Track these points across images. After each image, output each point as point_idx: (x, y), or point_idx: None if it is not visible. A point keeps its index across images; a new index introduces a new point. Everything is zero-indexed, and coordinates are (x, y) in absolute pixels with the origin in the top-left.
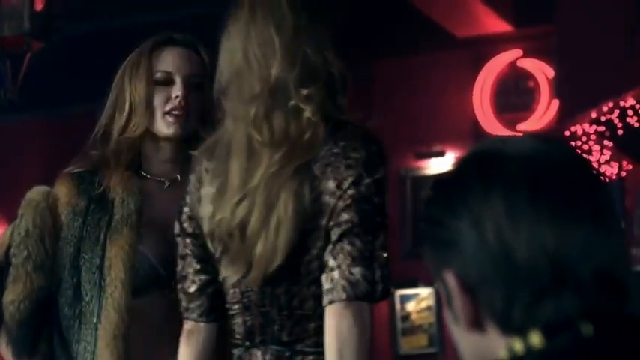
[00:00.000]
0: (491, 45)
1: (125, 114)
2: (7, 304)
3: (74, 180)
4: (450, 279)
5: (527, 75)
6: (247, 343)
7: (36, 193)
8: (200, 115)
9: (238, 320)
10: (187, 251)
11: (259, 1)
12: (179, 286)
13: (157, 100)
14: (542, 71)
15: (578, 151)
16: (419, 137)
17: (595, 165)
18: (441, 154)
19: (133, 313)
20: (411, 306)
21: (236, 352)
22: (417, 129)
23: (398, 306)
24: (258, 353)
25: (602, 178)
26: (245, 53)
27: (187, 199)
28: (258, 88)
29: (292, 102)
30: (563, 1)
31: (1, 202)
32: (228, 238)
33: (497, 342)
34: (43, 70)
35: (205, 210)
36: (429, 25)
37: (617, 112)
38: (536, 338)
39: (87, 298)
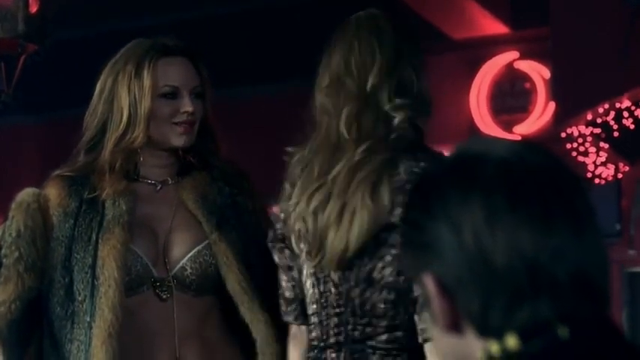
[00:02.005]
0: (487, 47)
1: (122, 125)
2: None
3: (65, 181)
4: (429, 282)
5: (524, 77)
6: (322, 344)
7: (26, 194)
8: (201, 121)
9: (315, 320)
10: (279, 257)
11: (365, 20)
12: (279, 291)
13: (163, 113)
14: (538, 73)
15: (558, 155)
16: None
17: (591, 166)
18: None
19: (127, 312)
20: None
21: (311, 354)
22: None
23: None
24: (333, 353)
25: (581, 182)
26: (347, 62)
27: (281, 205)
28: (355, 92)
29: (385, 108)
30: (559, 3)
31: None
32: (303, 225)
33: (474, 344)
34: (38, 73)
35: (290, 203)
36: (425, 27)
37: (612, 113)
38: (512, 341)
39: (80, 298)
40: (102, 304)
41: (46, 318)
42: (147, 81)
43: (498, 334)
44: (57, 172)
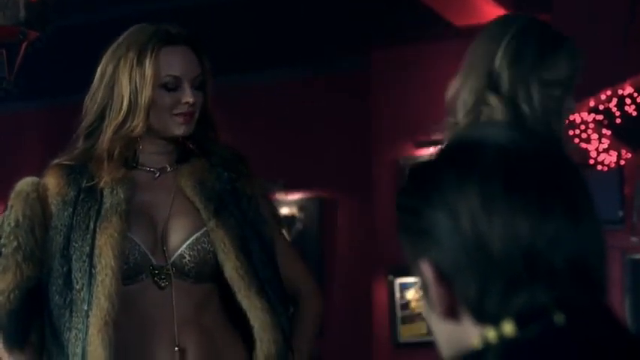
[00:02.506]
0: None
1: (122, 113)
2: None
3: (63, 170)
4: (426, 268)
5: None
6: None
7: (25, 183)
8: (201, 110)
9: None
10: None
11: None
12: None
13: (164, 103)
14: None
15: (555, 142)
16: (418, 126)
17: (594, 153)
18: (441, 142)
19: (124, 300)
20: (410, 294)
21: None
22: (417, 118)
23: (397, 294)
24: None
25: (579, 169)
26: (490, 72)
27: None
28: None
29: None
30: None
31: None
32: None
33: (471, 331)
34: (41, 59)
35: None
36: (427, 13)
37: (615, 100)
38: (508, 327)
39: (77, 287)
40: (99, 293)
41: (46, 307)
42: (149, 70)
43: (495, 320)
44: (56, 160)
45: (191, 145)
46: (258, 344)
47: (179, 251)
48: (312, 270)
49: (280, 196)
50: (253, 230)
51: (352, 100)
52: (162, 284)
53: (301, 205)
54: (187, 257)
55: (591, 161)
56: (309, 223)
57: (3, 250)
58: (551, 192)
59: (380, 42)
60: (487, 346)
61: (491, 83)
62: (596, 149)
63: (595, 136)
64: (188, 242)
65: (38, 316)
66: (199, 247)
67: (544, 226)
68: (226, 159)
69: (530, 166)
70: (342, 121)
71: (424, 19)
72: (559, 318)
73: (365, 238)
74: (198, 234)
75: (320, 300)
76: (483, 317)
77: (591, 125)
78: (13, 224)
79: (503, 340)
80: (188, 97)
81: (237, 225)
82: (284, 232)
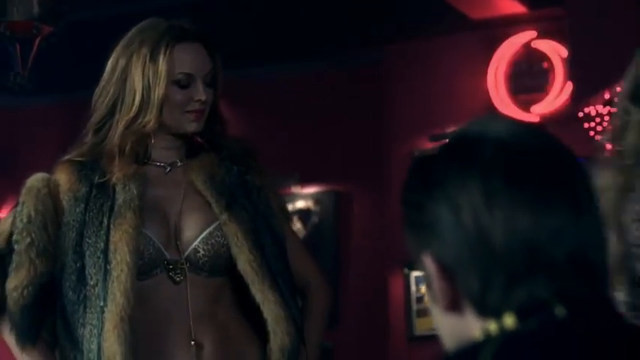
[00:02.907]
0: (505, 26)
1: (134, 108)
2: (11, 291)
3: (74, 166)
4: (429, 262)
5: (542, 56)
6: None
7: (36, 179)
8: (211, 105)
9: None
10: None
11: None
12: None
13: (177, 100)
14: (556, 52)
15: (556, 136)
16: (433, 119)
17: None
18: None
19: (139, 296)
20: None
21: None
22: (431, 111)
23: (413, 288)
24: None
25: (580, 163)
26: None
27: None
28: None
29: None
30: None
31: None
32: None
33: (473, 324)
34: (55, 54)
35: None
36: (442, 7)
37: None
38: (510, 320)
39: (92, 282)
40: (114, 289)
41: (59, 302)
42: (162, 66)
43: (497, 314)
44: (66, 156)
45: (200, 140)
46: (272, 336)
47: (193, 245)
48: (328, 263)
49: (296, 190)
50: (265, 223)
51: (367, 93)
52: (177, 279)
53: (317, 199)
54: (201, 251)
55: (606, 154)
56: (324, 216)
57: (16, 246)
58: (552, 186)
59: (394, 35)
60: (487, 338)
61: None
62: None
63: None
64: (202, 236)
65: (51, 312)
66: (213, 241)
67: (545, 220)
68: (235, 153)
69: (531, 160)
70: (356, 114)
71: (439, 12)
72: (560, 311)
73: (380, 231)
74: (211, 228)
75: (328, 293)
76: (485, 310)
77: (606, 118)
78: (25, 220)
79: (503, 332)
80: (200, 94)
81: (249, 218)
82: (292, 225)
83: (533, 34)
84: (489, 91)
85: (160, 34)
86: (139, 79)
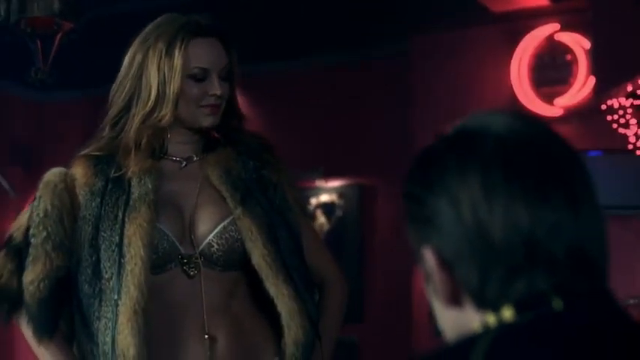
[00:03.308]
0: (527, 19)
1: (150, 103)
2: (27, 284)
3: (90, 161)
4: (429, 255)
5: (565, 49)
6: None
7: (52, 174)
8: (227, 100)
9: None
10: None
11: None
12: None
13: (192, 94)
14: (579, 45)
15: (556, 130)
16: (457, 112)
17: (632, 138)
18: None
19: (154, 290)
20: None
21: None
22: (455, 104)
23: None
24: None
25: (579, 156)
26: None
27: None
28: None
29: None
30: None
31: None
32: None
33: (473, 317)
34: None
35: None
36: (465, 0)
37: None
38: (508, 313)
39: (107, 276)
40: (128, 282)
41: (75, 296)
42: (177, 61)
43: (495, 307)
44: (83, 151)
45: (217, 135)
46: (286, 330)
47: (207, 240)
48: (352, 256)
49: (320, 183)
50: (280, 218)
51: (391, 86)
52: (191, 273)
53: (341, 192)
54: (215, 246)
55: (630, 146)
56: (349, 209)
57: (32, 240)
58: (551, 180)
59: (417, 28)
60: (486, 330)
61: None
62: (635, 134)
63: (634, 121)
64: (216, 231)
65: (67, 306)
66: (227, 235)
67: (544, 214)
68: (252, 147)
69: (531, 155)
70: (380, 107)
71: (461, 5)
72: (557, 304)
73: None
74: (225, 222)
75: (345, 287)
76: (484, 303)
77: (629, 110)
78: (42, 214)
79: (501, 324)
80: (216, 89)
81: (263, 213)
82: (310, 220)
83: (556, 26)
84: (512, 84)
85: (176, 29)
86: (155, 73)
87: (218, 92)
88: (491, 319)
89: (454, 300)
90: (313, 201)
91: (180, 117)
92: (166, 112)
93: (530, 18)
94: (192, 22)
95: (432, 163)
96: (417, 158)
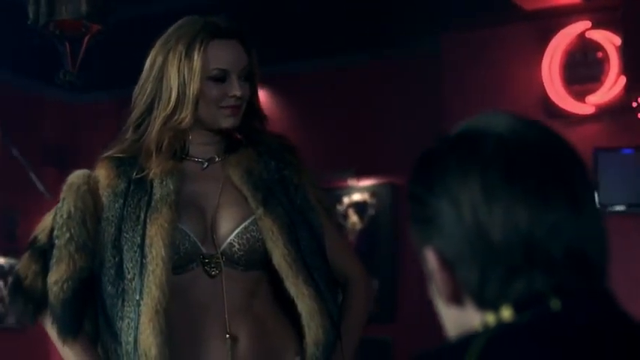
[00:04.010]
0: (559, 17)
1: (171, 105)
2: (52, 285)
3: (113, 162)
4: (430, 255)
5: (596, 46)
6: None
7: (76, 176)
8: (249, 101)
9: None
10: None
11: None
12: None
13: (212, 95)
14: (611, 42)
15: (557, 132)
16: (488, 109)
17: None
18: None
19: (175, 290)
20: None
21: None
22: (486, 103)
23: None
24: None
25: (580, 158)
26: None
27: None
28: None
29: None
30: None
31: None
32: None
33: (474, 316)
34: (112, 50)
35: None
36: None
37: None
38: (507, 312)
39: (129, 276)
40: (150, 282)
41: (99, 296)
42: (197, 62)
43: (495, 306)
44: (106, 153)
45: (239, 136)
46: (306, 331)
47: (228, 240)
48: (385, 255)
49: (352, 183)
50: (302, 218)
51: (422, 85)
52: (213, 273)
53: (373, 191)
54: (237, 246)
55: None
56: (381, 208)
57: (56, 241)
58: (550, 182)
59: (449, 27)
60: (485, 330)
61: None
62: None
63: None
64: (237, 231)
65: (91, 306)
66: (248, 235)
67: (543, 215)
68: (273, 148)
69: (531, 156)
70: (412, 106)
71: (493, 4)
72: (555, 304)
73: None
74: (246, 223)
75: (368, 286)
76: (484, 303)
77: None
78: (65, 216)
79: (500, 324)
80: (235, 90)
81: (284, 213)
82: (333, 220)
83: (587, 24)
84: (544, 81)
85: (196, 31)
86: (175, 76)
87: (238, 93)
88: (490, 318)
89: (456, 299)
90: (345, 200)
91: (200, 118)
92: (187, 114)
93: (562, 16)
94: (212, 23)
95: (433, 164)
96: (419, 159)
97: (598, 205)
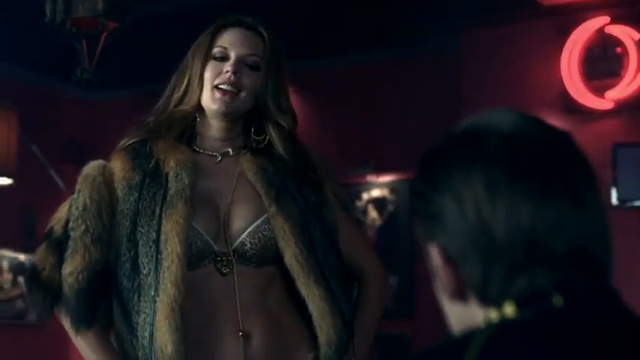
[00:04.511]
0: (578, 12)
1: (183, 87)
2: (66, 276)
3: (128, 154)
4: (435, 251)
5: (615, 41)
6: None
7: (91, 167)
8: (253, 94)
9: None
10: None
11: None
12: None
13: (209, 73)
14: (630, 37)
15: (562, 129)
16: (507, 106)
17: None
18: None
19: (190, 286)
20: None
21: None
22: (506, 98)
23: None
24: None
25: (583, 155)
26: None
27: None
28: None
29: None
30: None
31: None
32: None
33: (477, 312)
34: (132, 47)
35: None
36: None
37: None
38: (509, 309)
39: (144, 272)
40: (165, 279)
41: (115, 289)
42: (204, 45)
43: (498, 303)
44: (122, 142)
45: (253, 138)
46: (318, 331)
47: (240, 238)
48: (404, 251)
49: (371, 179)
50: (315, 215)
51: (441, 81)
52: (224, 270)
53: (392, 187)
54: (248, 244)
55: None
56: (400, 204)
57: (72, 233)
58: (553, 179)
59: (468, 22)
60: (488, 325)
61: None
62: None
63: None
64: (249, 230)
65: (106, 298)
66: (260, 234)
67: (545, 212)
68: (289, 147)
69: (534, 153)
70: (431, 102)
71: (511, 1)
72: (557, 300)
73: None
74: (259, 221)
75: (384, 281)
76: (487, 299)
77: None
78: (81, 208)
79: (503, 320)
80: (229, 65)
81: (298, 211)
82: (349, 215)
83: (606, 19)
84: (563, 77)
85: (219, 23)
86: (190, 61)
87: (230, 68)
88: (493, 314)
89: (459, 295)
90: (364, 196)
91: (201, 102)
92: (192, 95)
93: (581, 11)
94: (231, 16)
95: (438, 161)
96: (424, 156)
97: (616, 201)
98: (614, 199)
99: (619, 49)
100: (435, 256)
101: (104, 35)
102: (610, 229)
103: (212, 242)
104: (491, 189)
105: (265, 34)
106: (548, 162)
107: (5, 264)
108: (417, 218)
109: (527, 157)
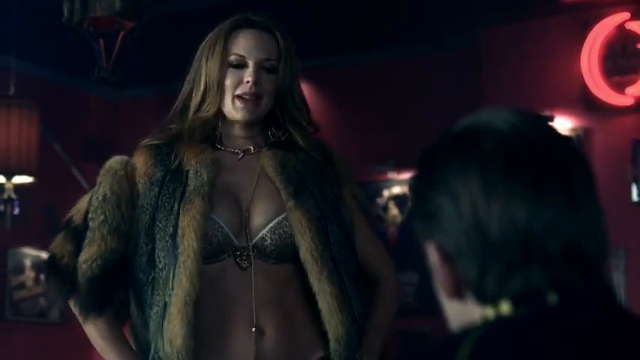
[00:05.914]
0: (597, 8)
1: (200, 93)
2: (81, 263)
3: (151, 151)
4: (432, 250)
5: (636, 37)
6: None
7: (114, 161)
8: (272, 96)
9: None
10: None
11: None
12: None
13: (229, 82)
14: None
15: (557, 128)
16: (527, 103)
17: None
18: (550, 119)
19: (205, 280)
20: None
21: None
22: (525, 95)
23: None
24: None
25: (580, 154)
26: None
27: None
28: None
29: None
30: None
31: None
32: None
33: (474, 310)
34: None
35: None
36: None
37: None
38: (505, 307)
39: (160, 265)
40: (180, 273)
41: (131, 281)
42: (218, 50)
43: (494, 301)
44: (145, 141)
45: (272, 133)
46: (327, 327)
47: (261, 234)
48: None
49: (392, 176)
50: (333, 211)
51: (462, 78)
52: (244, 265)
53: None
54: (268, 240)
55: None
56: None
57: (90, 223)
58: (549, 178)
59: (487, 19)
60: (485, 324)
61: None
62: None
63: None
64: (270, 226)
65: (121, 289)
66: (280, 230)
67: (541, 211)
68: (309, 143)
69: (530, 152)
70: (452, 98)
71: None
72: (552, 298)
73: None
74: (279, 218)
75: (398, 282)
76: (483, 297)
77: None
78: (100, 199)
79: (499, 318)
80: (249, 75)
81: (315, 206)
82: (366, 215)
83: (626, 15)
84: (583, 73)
85: (229, 24)
86: (204, 65)
87: (250, 78)
88: (490, 312)
89: (457, 293)
90: (385, 193)
91: (222, 109)
92: (210, 102)
93: (600, 7)
94: (242, 17)
95: (435, 160)
96: (422, 154)
97: (637, 198)
98: (634, 195)
99: (639, 45)
100: (432, 254)
101: (121, 34)
102: (606, 228)
103: (233, 237)
104: (487, 188)
105: (278, 33)
106: (545, 161)
107: (28, 262)
108: (415, 217)
109: (524, 156)
